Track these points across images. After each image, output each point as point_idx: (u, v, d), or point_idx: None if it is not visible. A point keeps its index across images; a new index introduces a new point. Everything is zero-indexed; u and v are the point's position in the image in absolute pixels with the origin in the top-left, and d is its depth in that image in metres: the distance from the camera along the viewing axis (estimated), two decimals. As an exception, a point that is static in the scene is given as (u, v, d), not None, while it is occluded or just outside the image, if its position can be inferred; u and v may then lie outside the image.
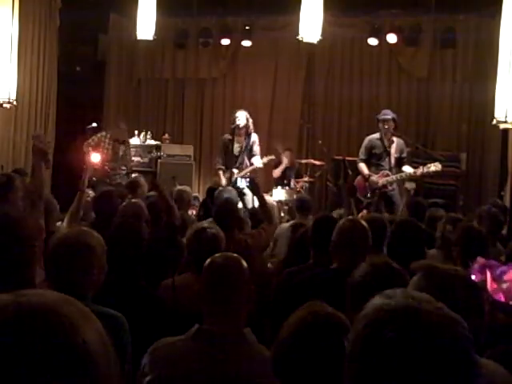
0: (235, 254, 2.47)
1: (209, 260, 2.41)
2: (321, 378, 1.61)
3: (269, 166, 8.67)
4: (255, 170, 7.74)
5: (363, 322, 1.07)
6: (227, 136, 7.86)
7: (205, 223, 3.78)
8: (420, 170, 7.11)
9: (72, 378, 0.78)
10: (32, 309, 0.80)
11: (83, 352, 0.79)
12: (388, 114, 7.44)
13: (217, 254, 2.47)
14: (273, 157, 8.33)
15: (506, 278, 2.38)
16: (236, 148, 7.76)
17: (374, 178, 7.29)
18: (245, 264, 2.37)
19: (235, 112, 7.81)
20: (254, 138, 7.79)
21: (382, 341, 1.02)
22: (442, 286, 1.70)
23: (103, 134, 8.38)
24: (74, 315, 0.82)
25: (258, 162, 7.68)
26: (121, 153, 8.37)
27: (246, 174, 7.64)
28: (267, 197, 7.67)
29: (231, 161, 7.74)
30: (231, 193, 7.35)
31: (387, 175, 7.27)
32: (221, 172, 7.83)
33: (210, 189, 5.95)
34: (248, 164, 7.75)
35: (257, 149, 7.78)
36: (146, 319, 2.82)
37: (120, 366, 0.88)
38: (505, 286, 2.34)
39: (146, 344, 2.33)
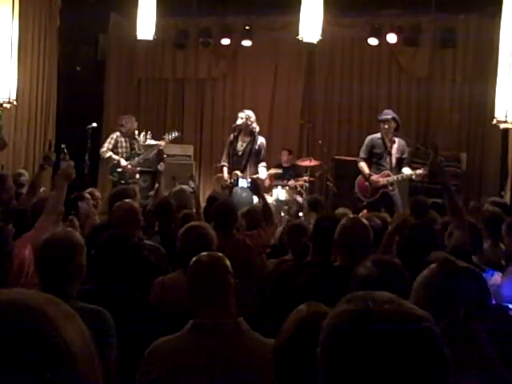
0: (219, 253, 2.56)
1: (194, 259, 2.51)
2: None
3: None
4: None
5: (324, 332, 1.06)
6: (232, 135, 7.86)
7: (198, 222, 3.79)
8: (419, 172, 7.13)
9: (50, 375, 0.78)
10: (9, 305, 0.81)
11: (62, 350, 0.80)
12: (388, 114, 7.44)
13: (202, 253, 2.55)
14: (279, 171, 8.42)
15: (491, 283, 2.40)
16: (239, 147, 7.75)
17: (375, 177, 7.28)
18: (227, 261, 2.48)
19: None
20: (261, 141, 7.76)
21: (340, 349, 1.01)
22: (457, 278, 1.71)
23: (117, 134, 8.44)
24: (55, 314, 0.82)
25: (263, 173, 7.70)
26: (136, 148, 8.46)
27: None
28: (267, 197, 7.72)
29: (234, 160, 7.74)
30: (247, 192, 7.38)
31: (388, 175, 7.26)
32: (225, 169, 7.86)
33: (211, 198, 5.95)
34: (250, 168, 7.75)
35: (264, 156, 7.77)
36: (137, 324, 2.82)
37: (102, 366, 0.88)
38: (491, 290, 2.38)
39: (137, 348, 2.37)
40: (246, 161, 7.76)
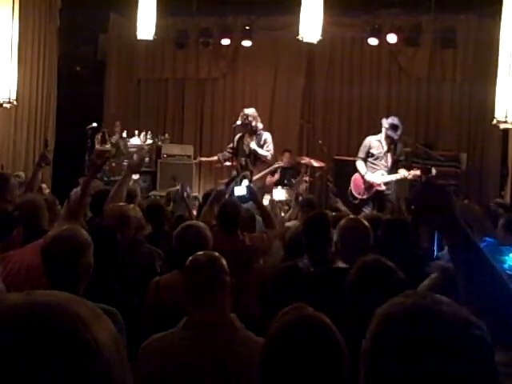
0: (216, 253, 2.56)
1: (191, 258, 2.52)
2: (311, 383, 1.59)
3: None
4: (266, 174, 7.77)
5: (377, 319, 1.05)
6: (239, 134, 7.82)
7: (193, 221, 3.77)
8: (414, 173, 7.23)
9: (83, 376, 0.78)
10: (43, 307, 0.81)
11: (94, 350, 0.79)
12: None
13: (199, 252, 2.56)
14: (276, 165, 8.44)
15: None
16: (245, 147, 7.75)
17: (370, 176, 7.37)
18: (224, 260, 2.49)
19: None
20: (265, 137, 7.70)
21: (391, 336, 1.01)
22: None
23: (104, 130, 8.76)
24: (86, 314, 0.82)
25: (266, 153, 7.68)
26: (121, 147, 8.55)
27: (261, 177, 7.67)
28: (268, 198, 7.72)
29: (244, 161, 7.74)
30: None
31: (382, 175, 7.36)
32: (215, 158, 7.90)
33: (207, 194, 5.94)
34: (257, 167, 7.75)
35: (269, 147, 7.71)
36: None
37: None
38: None
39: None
40: (253, 160, 7.76)
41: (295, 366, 1.57)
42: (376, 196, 7.35)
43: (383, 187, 7.35)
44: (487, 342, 1.02)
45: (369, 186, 7.39)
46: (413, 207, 1.63)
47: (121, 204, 3.95)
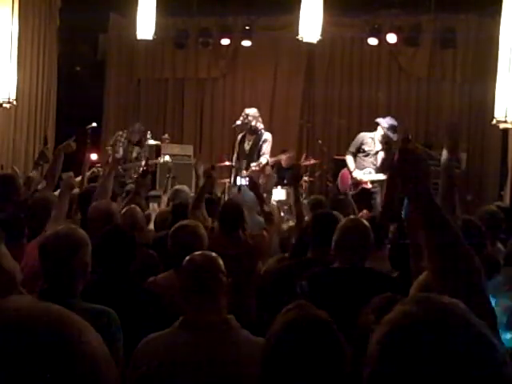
0: (213, 253, 2.56)
1: (188, 258, 2.53)
2: (312, 380, 1.59)
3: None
4: (259, 169, 7.74)
5: (385, 326, 1.02)
6: (240, 135, 7.83)
7: (188, 221, 3.76)
8: None
9: (75, 380, 0.78)
10: (31, 316, 0.81)
11: (89, 355, 0.80)
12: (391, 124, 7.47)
13: (196, 252, 2.57)
14: (273, 159, 8.42)
15: None
16: (246, 146, 7.77)
17: (358, 173, 7.40)
18: (220, 260, 2.50)
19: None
20: (266, 136, 7.72)
21: (397, 344, 0.98)
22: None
23: (120, 133, 8.69)
24: (74, 322, 0.83)
25: (263, 160, 7.67)
26: (134, 154, 8.47)
27: (249, 173, 7.65)
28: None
29: (241, 157, 7.75)
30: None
31: (370, 173, 7.40)
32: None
33: (209, 200, 5.91)
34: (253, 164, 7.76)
35: (266, 148, 7.72)
36: (142, 315, 2.83)
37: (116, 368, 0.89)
38: None
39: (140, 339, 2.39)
40: (250, 157, 7.76)
41: (297, 363, 1.58)
42: (361, 193, 7.37)
43: (369, 185, 7.38)
44: (499, 359, 0.97)
45: (356, 182, 7.44)
46: (389, 174, 1.63)
47: (105, 201, 3.95)
